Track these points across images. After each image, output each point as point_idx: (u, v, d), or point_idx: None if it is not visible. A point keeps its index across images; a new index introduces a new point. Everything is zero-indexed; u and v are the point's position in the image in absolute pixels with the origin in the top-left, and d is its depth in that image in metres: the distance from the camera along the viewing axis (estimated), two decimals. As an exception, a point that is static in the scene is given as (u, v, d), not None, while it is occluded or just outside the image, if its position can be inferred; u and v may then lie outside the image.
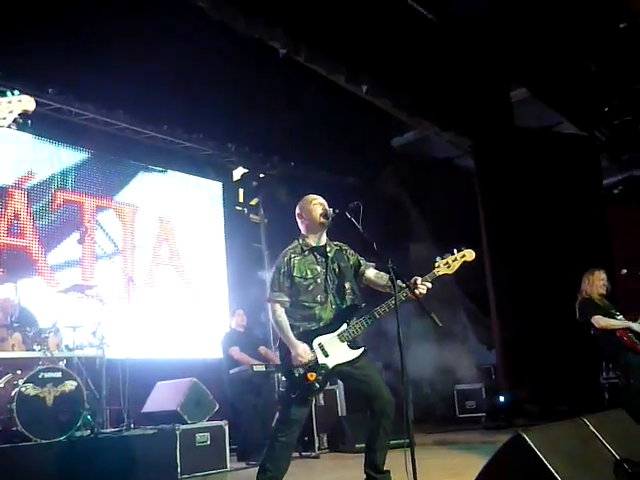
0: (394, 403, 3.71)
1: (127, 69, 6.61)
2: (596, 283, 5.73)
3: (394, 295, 3.46)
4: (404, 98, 8.33)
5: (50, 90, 6.69)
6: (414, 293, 3.57)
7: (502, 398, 8.66)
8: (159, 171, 8.46)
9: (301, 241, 3.84)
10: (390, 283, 3.60)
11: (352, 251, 3.96)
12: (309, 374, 3.54)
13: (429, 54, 7.83)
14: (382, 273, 3.82)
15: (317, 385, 3.58)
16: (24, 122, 2.77)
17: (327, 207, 3.81)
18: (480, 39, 7.75)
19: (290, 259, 3.75)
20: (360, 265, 3.91)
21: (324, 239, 3.87)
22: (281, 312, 3.69)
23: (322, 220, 3.77)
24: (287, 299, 3.71)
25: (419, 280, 3.61)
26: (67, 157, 7.52)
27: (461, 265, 3.69)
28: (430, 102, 8.46)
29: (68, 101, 7.01)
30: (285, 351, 3.65)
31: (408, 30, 7.47)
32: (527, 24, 7.36)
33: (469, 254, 3.72)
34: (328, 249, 3.86)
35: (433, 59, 7.92)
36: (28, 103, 2.75)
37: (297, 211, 3.89)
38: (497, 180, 9.17)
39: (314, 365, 3.58)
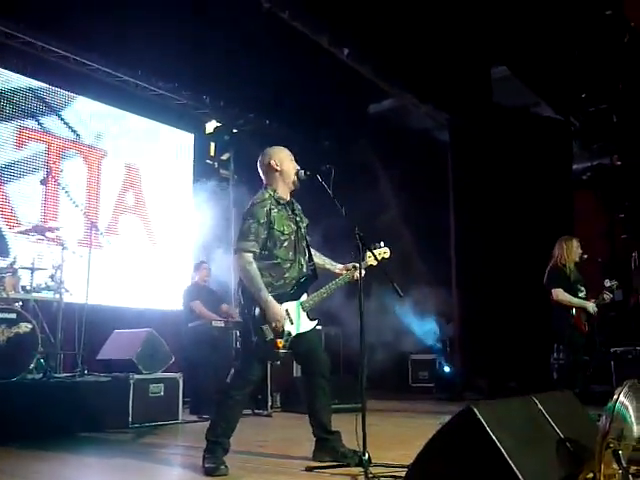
0: (329, 365, 3.81)
1: (107, 12, 6.41)
2: (573, 250, 5.77)
3: (359, 264, 3.52)
4: (385, 66, 8.26)
5: (22, 25, 6.47)
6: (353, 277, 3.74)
7: (448, 369, 8.87)
8: (131, 117, 8.26)
9: (273, 193, 3.71)
10: (326, 263, 3.89)
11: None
12: (278, 340, 3.52)
13: (414, 26, 7.76)
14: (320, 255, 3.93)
15: (283, 352, 3.58)
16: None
17: (295, 163, 3.79)
18: (466, 14, 7.70)
19: (270, 210, 3.62)
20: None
21: (289, 194, 3.81)
22: (253, 263, 3.52)
23: (295, 177, 3.74)
24: (258, 248, 3.56)
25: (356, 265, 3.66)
26: (37, 94, 7.27)
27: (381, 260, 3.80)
28: (411, 73, 8.41)
29: (44, 38, 6.79)
30: (253, 307, 3.53)
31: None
32: (514, 2, 7.33)
33: (386, 252, 3.90)
34: (296, 206, 3.83)
35: (418, 31, 7.84)
36: None
37: (267, 160, 3.75)
38: (470, 155, 9.22)
39: (282, 332, 3.54)
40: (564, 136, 9.27)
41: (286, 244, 3.66)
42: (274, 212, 3.64)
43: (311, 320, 3.73)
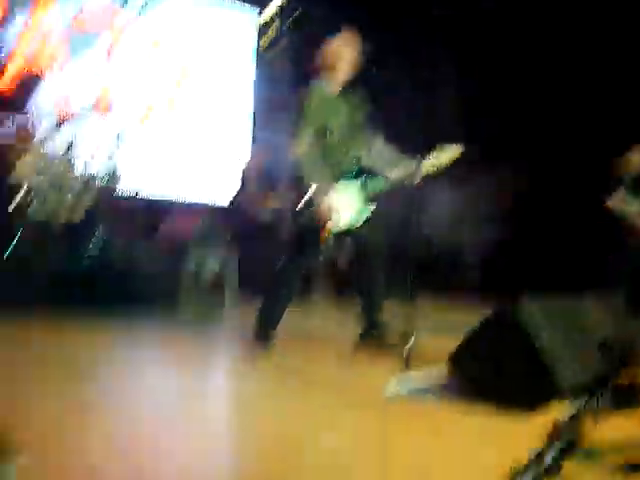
0: (385, 252, 3.78)
1: None
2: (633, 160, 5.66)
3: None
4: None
5: None
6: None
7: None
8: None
9: (330, 81, 3.69)
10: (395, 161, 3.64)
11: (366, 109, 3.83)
12: (326, 229, 3.52)
13: None
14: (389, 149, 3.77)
15: (331, 236, 3.58)
16: None
17: (354, 51, 3.66)
18: None
19: (321, 98, 3.62)
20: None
21: (347, 81, 3.72)
22: (305, 147, 3.54)
23: (345, 64, 3.65)
24: (311, 134, 3.56)
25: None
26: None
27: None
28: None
29: None
30: (302, 192, 3.57)
31: None
32: None
33: (456, 150, 3.60)
34: (352, 96, 3.74)
35: None
36: None
37: (330, 49, 3.69)
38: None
39: (330, 217, 3.52)
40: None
41: (338, 129, 3.63)
42: (327, 101, 3.63)
43: (367, 208, 3.70)
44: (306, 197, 3.55)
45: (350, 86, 3.75)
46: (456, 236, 9.16)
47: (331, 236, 3.58)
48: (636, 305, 3.99)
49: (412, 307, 3.22)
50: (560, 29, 7.72)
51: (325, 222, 3.51)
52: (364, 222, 3.71)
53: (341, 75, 3.68)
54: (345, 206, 3.62)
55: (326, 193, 3.51)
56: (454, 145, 3.60)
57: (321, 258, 5.80)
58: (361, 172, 3.72)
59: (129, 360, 3.39)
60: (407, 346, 3.15)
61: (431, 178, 3.58)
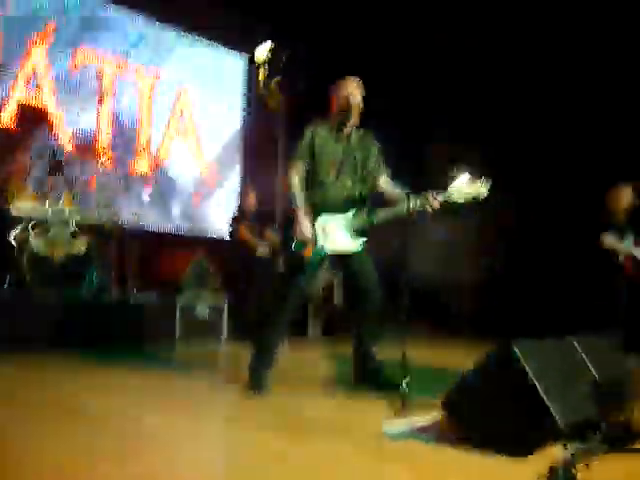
0: (380, 295, 3.78)
1: None
2: (623, 198, 5.73)
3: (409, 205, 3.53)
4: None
5: None
6: (423, 208, 3.59)
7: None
8: (185, 39, 8.18)
9: (329, 119, 3.85)
10: (396, 195, 3.72)
11: (378, 148, 3.91)
12: (304, 250, 3.61)
13: None
14: (394, 185, 3.82)
15: (310, 262, 3.63)
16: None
17: (358, 93, 3.76)
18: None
19: (315, 131, 3.80)
20: (379, 169, 3.88)
21: (352, 123, 3.82)
22: (295, 178, 3.73)
23: (345, 104, 3.75)
24: (302, 165, 3.76)
25: (430, 195, 3.59)
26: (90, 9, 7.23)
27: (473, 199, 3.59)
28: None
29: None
30: (285, 223, 3.76)
31: None
32: None
33: (484, 187, 3.57)
34: (353, 133, 3.85)
35: None
36: None
37: (333, 89, 3.85)
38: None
39: (311, 244, 3.62)
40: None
41: (327, 163, 3.76)
42: (319, 133, 3.78)
43: (354, 240, 3.73)
44: (293, 227, 3.64)
45: (356, 126, 3.85)
46: (451, 271, 9.21)
47: (311, 260, 3.62)
48: (628, 344, 4.04)
49: (406, 345, 3.24)
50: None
51: (307, 245, 3.61)
52: (355, 254, 3.75)
53: (350, 115, 3.78)
54: (332, 234, 3.68)
55: (311, 221, 3.63)
56: (482, 179, 3.61)
57: (308, 290, 5.88)
58: (355, 204, 3.76)
59: (119, 403, 3.37)
60: (403, 386, 3.17)
61: (450, 208, 3.63)
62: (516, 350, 2.48)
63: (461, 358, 5.31)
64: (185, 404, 3.34)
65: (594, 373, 2.84)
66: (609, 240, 5.63)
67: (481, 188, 3.61)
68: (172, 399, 3.47)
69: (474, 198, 3.63)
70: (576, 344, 2.92)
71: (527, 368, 2.43)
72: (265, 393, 3.55)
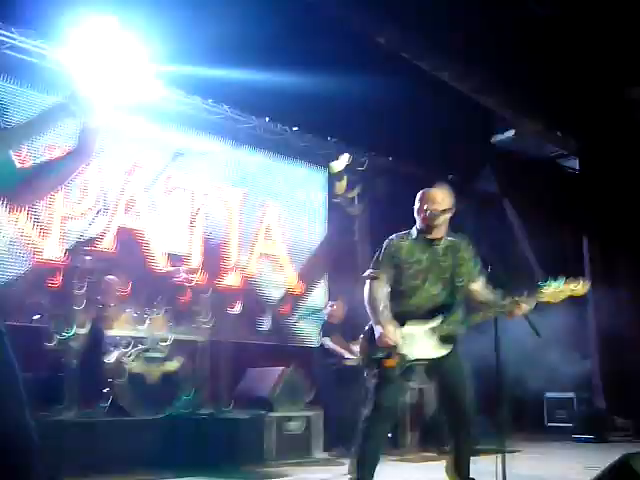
0: (472, 419, 3.67)
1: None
2: None
3: (498, 307, 3.47)
4: (510, 96, 8.16)
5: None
6: (512, 312, 3.54)
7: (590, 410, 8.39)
8: (266, 158, 8.59)
9: (413, 230, 3.85)
10: (490, 299, 3.66)
11: (472, 254, 3.87)
12: (390, 359, 3.52)
13: (539, 50, 7.60)
14: (488, 291, 3.78)
15: (395, 372, 3.55)
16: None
17: (435, 204, 3.74)
18: (595, 36, 7.46)
19: (399, 242, 3.79)
20: (471, 274, 3.84)
21: (439, 233, 3.81)
22: (375, 288, 3.69)
23: (422, 215, 3.78)
24: (384, 277, 3.71)
25: (520, 300, 3.55)
26: (177, 141, 7.72)
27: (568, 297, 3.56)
28: (538, 101, 8.23)
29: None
30: (369, 334, 3.66)
31: (518, 26, 7.30)
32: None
33: (581, 288, 3.53)
34: (441, 242, 3.82)
35: (542, 56, 7.68)
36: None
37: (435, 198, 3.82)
38: (604, 183, 8.81)
39: (395, 351, 3.54)
40: None
41: (412, 272, 3.72)
42: (402, 243, 3.78)
43: (441, 347, 3.65)
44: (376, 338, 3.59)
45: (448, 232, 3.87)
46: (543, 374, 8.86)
47: (396, 367, 3.53)
48: None
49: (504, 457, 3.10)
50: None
51: (390, 355, 3.53)
52: (445, 361, 3.67)
53: (432, 226, 3.78)
54: (415, 342, 3.62)
55: (392, 331, 3.56)
56: (579, 278, 3.58)
57: (404, 402, 5.73)
58: (441, 312, 3.70)
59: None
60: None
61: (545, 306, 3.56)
62: (634, 466, 2.34)
63: (563, 466, 5.03)
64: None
65: None
66: None
67: (577, 287, 3.54)
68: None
69: (571, 296, 3.56)
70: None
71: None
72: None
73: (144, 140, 7.34)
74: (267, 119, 8.13)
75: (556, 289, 3.53)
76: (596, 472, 2.48)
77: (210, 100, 7.60)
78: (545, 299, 3.54)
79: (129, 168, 7.18)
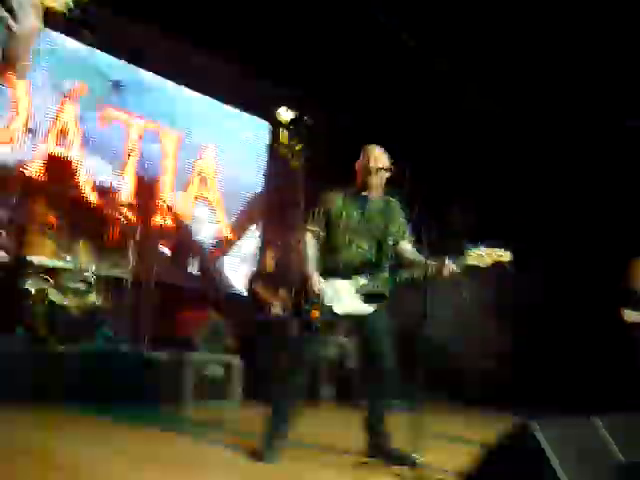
0: (393, 373, 3.73)
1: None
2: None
3: (425, 270, 3.51)
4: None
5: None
6: (440, 272, 3.57)
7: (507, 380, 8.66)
8: (208, 100, 8.37)
9: (350, 186, 3.90)
10: (417, 261, 3.68)
11: (402, 214, 3.92)
12: (313, 311, 3.58)
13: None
14: (414, 249, 3.82)
15: (318, 324, 3.59)
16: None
17: (379, 161, 3.80)
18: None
19: (332, 197, 3.86)
20: (400, 234, 3.89)
21: (375, 191, 3.87)
22: (310, 242, 3.78)
23: (365, 171, 3.81)
24: (318, 231, 3.80)
25: (447, 262, 3.58)
26: (119, 73, 7.47)
27: (494, 263, 3.60)
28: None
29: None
30: (298, 285, 3.71)
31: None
32: None
33: (505, 255, 3.61)
34: (374, 200, 3.87)
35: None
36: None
37: (370, 155, 3.89)
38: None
39: (321, 305, 3.60)
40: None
41: (343, 228, 3.78)
42: (337, 199, 3.84)
43: (367, 304, 3.69)
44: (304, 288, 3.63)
45: (381, 192, 3.90)
46: (469, 341, 9.09)
47: (319, 319, 3.57)
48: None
49: (419, 418, 3.15)
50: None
51: (317, 308, 3.58)
52: (369, 318, 3.70)
53: (371, 182, 3.83)
54: (342, 297, 3.65)
55: (322, 284, 3.63)
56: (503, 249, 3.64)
57: (322, 354, 5.79)
58: (369, 269, 3.73)
59: (127, 458, 3.29)
60: (414, 460, 3.07)
61: (470, 272, 3.62)
62: (535, 433, 2.38)
63: (477, 430, 5.18)
64: (187, 468, 3.24)
65: (620, 455, 2.72)
66: (630, 313, 5.56)
67: (501, 254, 3.60)
68: (174, 462, 3.36)
69: (496, 262, 3.61)
70: (600, 424, 2.81)
71: (551, 457, 2.32)
72: (275, 462, 3.45)
73: (83, 67, 7.03)
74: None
75: (482, 253, 3.58)
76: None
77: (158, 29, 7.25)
78: (471, 262, 3.59)
79: (64, 93, 6.86)
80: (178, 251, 7.64)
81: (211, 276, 8.08)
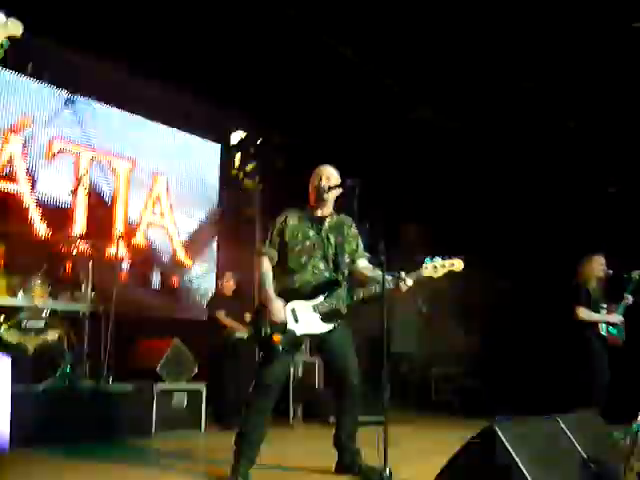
0: (358, 386, 3.78)
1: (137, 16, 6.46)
2: (594, 266, 5.81)
3: (381, 281, 3.51)
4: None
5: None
6: (397, 287, 3.62)
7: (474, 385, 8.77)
8: (158, 127, 8.34)
9: (303, 207, 3.94)
10: (373, 277, 3.73)
11: (356, 232, 3.98)
12: (275, 335, 3.59)
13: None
14: (370, 266, 3.88)
15: (281, 348, 3.59)
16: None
17: (331, 180, 3.85)
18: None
19: (287, 219, 3.88)
20: (355, 252, 3.94)
21: (328, 210, 3.92)
22: (267, 265, 3.79)
23: (317, 191, 3.85)
24: (275, 254, 3.82)
25: (403, 275, 3.64)
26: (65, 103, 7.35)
27: (447, 273, 3.70)
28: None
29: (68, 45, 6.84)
30: (257, 309, 3.75)
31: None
32: None
33: (458, 264, 3.73)
34: (328, 219, 3.92)
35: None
36: (15, 28, 2.45)
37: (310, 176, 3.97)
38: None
39: (282, 328, 3.62)
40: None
41: (298, 249, 3.81)
42: (290, 220, 3.88)
43: (325, 322, 3.72)
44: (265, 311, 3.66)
45: (333, 212, 3.95)
46: (430, 350, 9.18)
47: (282, 341, 3.58)
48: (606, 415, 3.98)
49: (387, 429, 3.17)
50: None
51: (276, 328, 3.61)
52: (331, 336, 3.73)
53: (323, 201, 3.87)
54: (302, 318, 3.67)
55: (279, 308, 3.64)
56: (455, 258, 3.72)
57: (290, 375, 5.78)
58: (326, 288, 3.76)
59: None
60: (385, 475, 3.08)
61: (424, 283, 3.68)
62: (500, 434, 2.42)
63: (445, 438, 5.22)
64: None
65: (582, 452, 2.77)
66: (583, 311, 5.67)
67: (455, 264, 3.69)
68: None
69: (450, 272, 3.69)
70: (561, 422, 2.86)
71: (513, 453, 2.36)
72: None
73: (29, 93, 6.94)
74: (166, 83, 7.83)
75: (436, 265, 3.66)
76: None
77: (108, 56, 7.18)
78: (426, 274, 3.66)
79: (8, 126, 6.75)
80: (133, 280, 7.55)
81: (169, 303, 7.98)
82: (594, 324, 5.66)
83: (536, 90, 7.43)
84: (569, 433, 2.81)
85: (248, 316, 6.82)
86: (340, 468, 3.77)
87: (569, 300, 5.79)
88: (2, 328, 5.05)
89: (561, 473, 2.56)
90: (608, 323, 5.68)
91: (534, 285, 8.45)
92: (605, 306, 5.76)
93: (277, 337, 3.59)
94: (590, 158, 8.23)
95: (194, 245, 8.54)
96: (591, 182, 8.43)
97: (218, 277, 7.40)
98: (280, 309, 3.64)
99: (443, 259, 3.69)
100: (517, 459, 2.35)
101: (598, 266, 5.82)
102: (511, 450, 2.37)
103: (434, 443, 5.38)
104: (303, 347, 4.14)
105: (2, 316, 5.25)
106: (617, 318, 5.69)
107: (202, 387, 5.95)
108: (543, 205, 8.78)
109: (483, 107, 8.02)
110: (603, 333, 5.66)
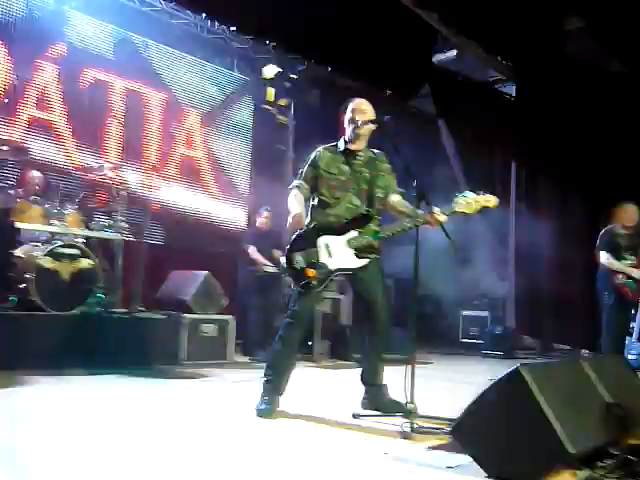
0: (388, 323, 3.78)
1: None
2: (621, 215, 5.78)
3: (414, 217, 3.47)
4: (453, 14, 7.97)
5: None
6: (429, 222, 3.53)
7: (501, 329, 8.78)
8: (192, 59, 8.25)
9: (338, 142, 3.87)
10: (407, 210, 3.66)
11: (389, 167, 3.90)
12: (308, 269, 3.56)
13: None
14: (405, 202, 3.78)
15: (315, 282, 3.57)
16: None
17: (366, 114, 3.76)
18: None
19: (321, 153, 3.82)
20: (389, 187, 3.86)
21: (362, 145, 3.83)
22: (296, 195, 3.74)
23: (352, 125, 3.76)
24: (306, 187, 3.78)
25: (436, 210, 3.55)
26: (102, 34, 7.33)
27: (481, 209, 3.57)
28: (478, 22, 8.09)
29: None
30: (292, 243, 3.68)
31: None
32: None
33: (493, 201, 3.56)
34: (362, 154, 3.85)
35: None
36: None
37: (342, 110, 3.87)
38: (536, 110, 8.87)
39: (315, 262, 3.59)
40: (636, 93, 8.80)
41: (332, 183, 3.76)
42: (325, 154, 3.81)
43: (359, 258, 3.67)
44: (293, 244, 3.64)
45: (367, 146, 3.86)
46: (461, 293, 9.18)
47: (316, 278, 3.56)
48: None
49: (413, 365, 3.18)
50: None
51: (310, 266, 3.58)
52: (362, 271, 3.70)
53: (357, 136, 3.78)
54: (334, 253, 3.64)
55: (314, 240, 3.61)
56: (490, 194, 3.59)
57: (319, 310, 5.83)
58: (359, 223, 3.71)
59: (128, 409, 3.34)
60: (410, 409, 3.12)
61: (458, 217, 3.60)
62: (525, 375, 2.41)
63: (471, 378, 5.27)
64: (185, 427, 3.28)
65: (605, 395, 2.76)
66: (603, 255, 5.62)
67: (489, 199, 3.58)
68: (172, 420, 3.41)
69: (484, 208, 3.59)
70: (586, 366, 2.85)
71: (536, 394, 2.36)
72: (272, 417, 3.51)
73: (68, 27, 6.92)
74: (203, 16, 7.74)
75: (469, 200, 3.55)
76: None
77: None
78: (459, 209, 3.54)
79: (43, 55, 6.73)
80: (169, 213, 7.62)
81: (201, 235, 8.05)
82: (611, 271, 5.63)
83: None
84: (593, 376, 2.79)
85: (277, 253, 6.84)
86: (366, 403, 3.82)
87: (597, 246, 5.79)
88: (39, 254, 5.16)
89: (584, 415, 2.56)
90: (627, 275, 5.60)
91: (570, 233, 8.33)
92: (633, 257, 5.68)
93: (311, 272, 3.57)
94: None
95: (227, 179, 8.54)
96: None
97: (252, 212, 7.38)
98: (299, 220, 3.62)
99: (477, 194, 3.58)
100: (540, 400, 2.35)
101: (624, 214, 5.76)
102: (535, 391, 2.37)
103: (459, 383, 5.41)
104: (333, 282, 4.11)
105: (38, 243, 5.37)
106: (638, 273, 5.60)
107: (230, 319, 6.05)
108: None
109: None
110: (618, 282, 5.60)
